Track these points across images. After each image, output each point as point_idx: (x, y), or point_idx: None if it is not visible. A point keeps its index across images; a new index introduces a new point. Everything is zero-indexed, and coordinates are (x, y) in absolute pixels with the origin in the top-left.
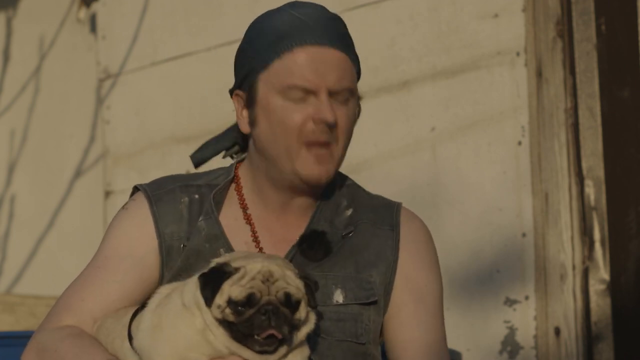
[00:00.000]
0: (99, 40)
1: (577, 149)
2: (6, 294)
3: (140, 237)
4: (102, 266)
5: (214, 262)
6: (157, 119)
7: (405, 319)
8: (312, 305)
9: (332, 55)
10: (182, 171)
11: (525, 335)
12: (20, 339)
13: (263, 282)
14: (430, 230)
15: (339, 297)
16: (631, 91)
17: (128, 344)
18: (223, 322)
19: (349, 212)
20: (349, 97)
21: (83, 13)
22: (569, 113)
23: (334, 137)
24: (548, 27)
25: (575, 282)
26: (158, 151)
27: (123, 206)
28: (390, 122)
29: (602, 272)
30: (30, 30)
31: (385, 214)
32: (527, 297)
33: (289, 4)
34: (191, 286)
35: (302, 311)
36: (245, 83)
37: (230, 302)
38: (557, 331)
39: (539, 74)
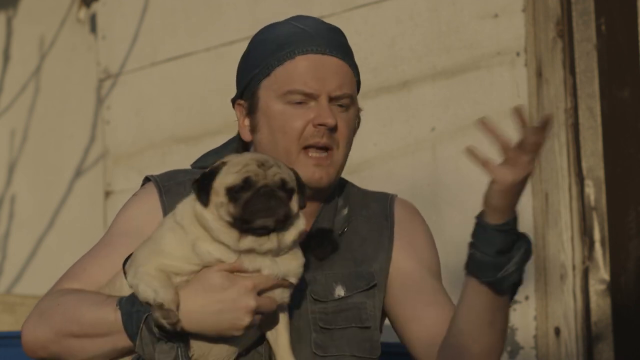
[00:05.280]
0: (99, 40)
1: (577, 149)
2: (6, 294)
3: (148, 222)
4: (108, 243)
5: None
6: (157, 119)
7: (424, 302)
8: (301, 204)
9: (332, 62)
10: None
11: (525, 335)
12: (20, 339)
13: (258, 166)
14: (431, 230)
15: (340, 291)
16: (631, 91)
17: (123, 280)
18: (225, 221)
19: (345, 210)
20: (349, 104)
21: (83, 13)
22: (569, 113)
23: (335, 142)
24: (548, 27)
25: (575, 282)
26: (158, 151)
27: (134, 194)
28: (390, 122)
29: (602, 272)
30: (30, 30)
31: (377, 207)
32: (527, 297)
33: (291, 17)
34: (183, 204)
35: (295, 204)
36: (247, 91)
37: (229, 191)
38: (557, 331)
39: (539, 74)
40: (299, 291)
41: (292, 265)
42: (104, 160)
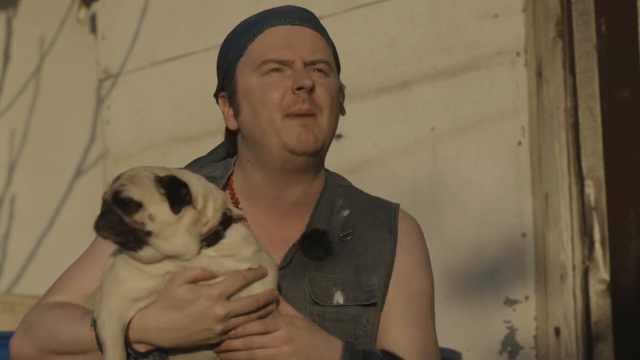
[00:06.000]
0: (99, 40)
1: (577, 149)
2: (6, 294)
3: None
4: (94, 251)
5: None
6: (157, 119)
7: (394, 318)
8: (175, 211)
9: (303, 31)
10: None
11: (525, 335)
12: None
13: (113, 180)
14: (431, 230)
15: (339, 298)
16: (631, 91)
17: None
18: None
19: (346, 212)
20: (328, 71)
21: (83, 13)
22: (569, 113)
23: (317, 106)
24: (548, 27)
25: (575, 282)
26: (158, 151)
27: None
28: (390, 122)
29: (602, 272)
30: (30, 30)
31: (383, 217)
32: (527, 297)
33: None
34: None
35: (145, 211)
36: (226, 80)
37: None
38: (557, 331)
39: (539, 74)
40: (300, 290)
41: (232, 258)
42: (104, 160)
